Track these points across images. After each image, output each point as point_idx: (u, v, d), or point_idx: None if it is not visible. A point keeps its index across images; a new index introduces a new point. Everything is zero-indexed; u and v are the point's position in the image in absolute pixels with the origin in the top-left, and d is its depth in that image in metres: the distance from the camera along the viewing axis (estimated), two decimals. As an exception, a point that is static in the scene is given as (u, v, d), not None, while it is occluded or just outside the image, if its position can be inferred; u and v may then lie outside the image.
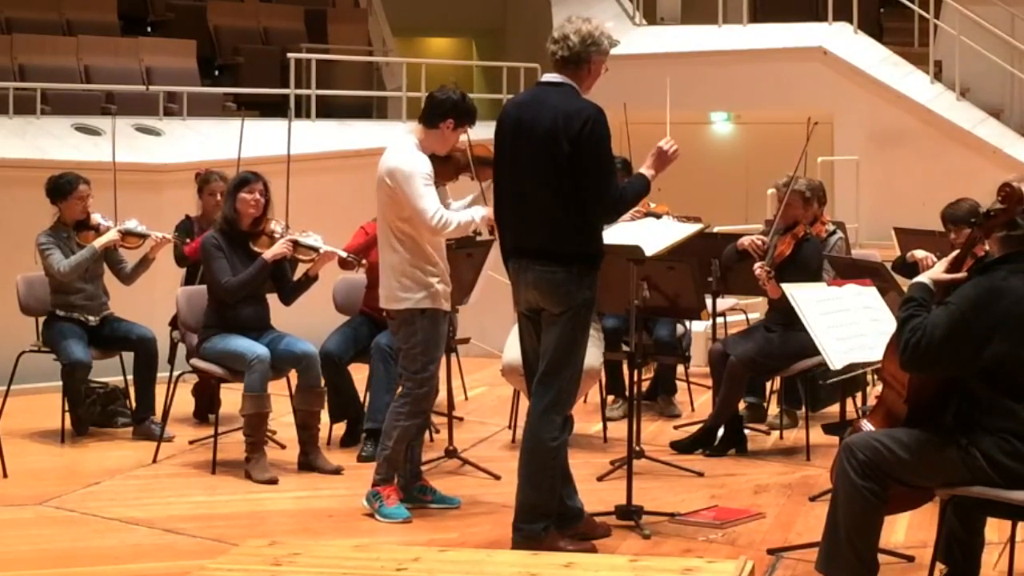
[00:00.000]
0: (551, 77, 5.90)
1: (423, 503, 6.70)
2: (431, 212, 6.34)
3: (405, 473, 6.72)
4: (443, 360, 7.49)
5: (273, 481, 7.19)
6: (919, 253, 7.65)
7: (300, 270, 7.71)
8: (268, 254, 7.41)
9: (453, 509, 6.70)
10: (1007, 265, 4.78)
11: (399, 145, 6.54)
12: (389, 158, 6.49)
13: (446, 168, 6.67)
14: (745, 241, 8.08)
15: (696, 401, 9.20)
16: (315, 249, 7.51)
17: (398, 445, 6.55)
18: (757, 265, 7.81)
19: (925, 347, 4.69)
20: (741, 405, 8.10)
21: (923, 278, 4.95)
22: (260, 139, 10.41)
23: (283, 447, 7.83)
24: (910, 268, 7.54)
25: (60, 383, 8.22)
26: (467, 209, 6.57)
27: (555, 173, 5.70)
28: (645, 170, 5.95)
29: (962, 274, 4.89)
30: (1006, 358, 4.69)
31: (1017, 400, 4.71)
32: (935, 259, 6.98)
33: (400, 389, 6.67)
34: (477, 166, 6.71)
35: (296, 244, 7.48)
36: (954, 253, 5.00)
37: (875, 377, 8.28)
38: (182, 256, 8.55)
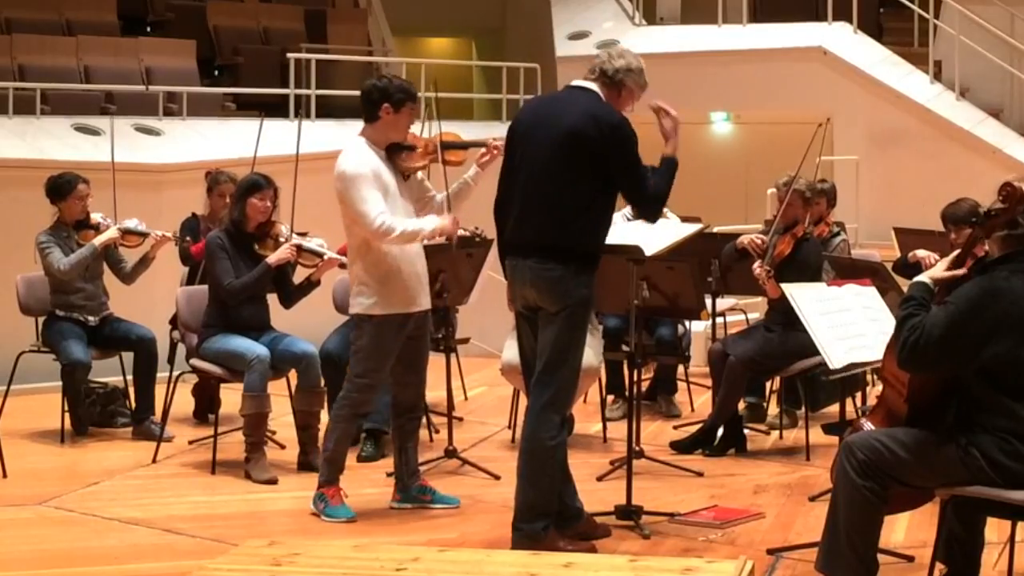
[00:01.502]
0: (580, 82, 5.93)
1: (423, 503, 6.70)
2: (372, 216, 6.27)
3: (403, 474, 6.71)
4: (444, 360, 7.52)
5: (273, 481, 7.19)
6: (921, 252, 7.65)
7: (302, 273, 7.70)
8: (272, 259, 7.39)
9: (453, 509, 6.70)
10: (1008, 265, 4.78)
11: (348, 146, 6.50)
12: (338, 161, 6.46)
13: (412, 156, 6.52)
14: (744, 240, 8.08)
15: (696, 401, 9.20)
16: (319, 255, 7.50)
17: (339, 447, 6.56)
18: (756, 264, 7.80)
19: (924, 346, 4.69)
20: (741, 405, 8.10)
21: (923, 277, 4.95)
22: (260, 139, 10.39)
23: (283, 447, 7.84)
24: (911, 268, 7.53)
25: (60, 383, 8.22)
26: (417, 219, 6.43)
27: (571, 170, 5.72)
28: (666, 152, 5.96)
29: (962, 271, 4.90)
30: (1006, 358, 4.69)
31: (1016, 399, 4.71)
32: (937, 258, 6.98)
33: (342, 391, 6.63)
34: (445, 150, 6.54)
35: (300, 249, 7.47)
36: (955, 252, 5.00)
37: (875, 377, 8.31)
38: (188, 255, 8.55)
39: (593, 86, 5.89)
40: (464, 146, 6.65)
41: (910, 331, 4.73)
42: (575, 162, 5.72)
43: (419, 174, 6.60)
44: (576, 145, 5.71)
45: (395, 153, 6.48)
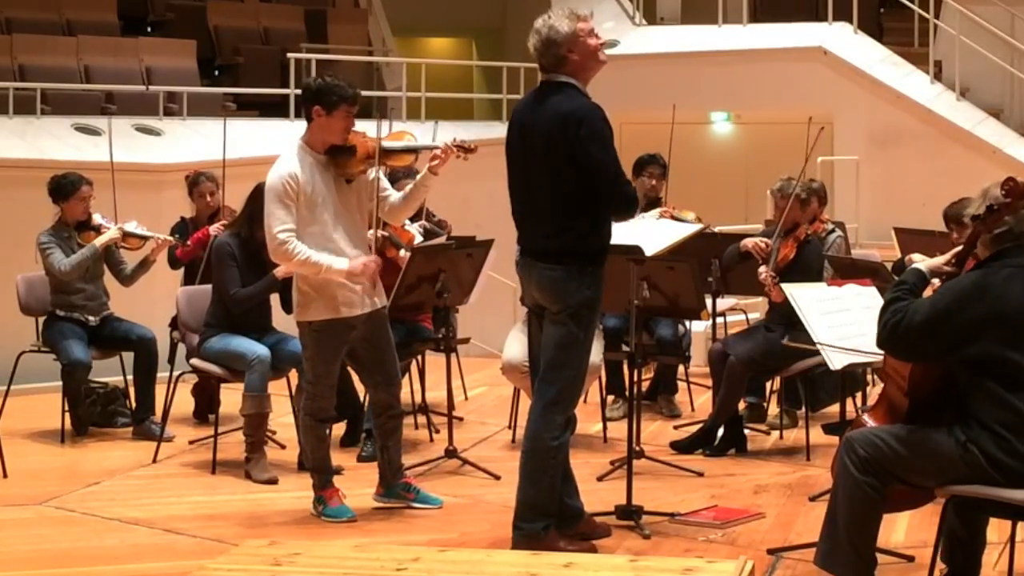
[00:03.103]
0: (550, 76, 5.89)
1: (406, 500, 6.69)
2: (273, 231, 6.22)
3: (386, 472, 6.70)
4: (444, 360, 7.50)
5: (273, 481, 7.19)
6: (916, 257, 7.65)
7: None
8: (280, 271, 7.27)
9: (436, 509, 6.66)
10: (1002, 261, 4.78)
11: (283, 153, 6.43)
12: None
13: (350, 161, 6.39)
14: (748, 243, 8.06)
15: (696, 401, 9.20)
16: None
17: (316, 455, 6.57)
18: (762, 270, 7.79)
19: (904, 329, 4.71)
20: (741, 405, 8.10)
21: (921, 266, 4.98)
22: (260, 139, 10.42)
23: (283, 447, 7.83)
24: (908, 272, 7.54)
25: (60, 383, 8.22)
26: (330, 255, 6.27)
27: (553, 174, 5.69)
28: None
29: (956, 269, 4.91)
30: (996, 355, 4.68)
31: (1010, 391, 4.70)
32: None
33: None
34: (385, 156, 6.45)
35: None
36: (957, 248, 5.01)
37: (875, 377, 8.31)
38: (175, 259, 8.56)
39: (561, 77, 5.80)
40: (409, 150, 6.57)
41: (892, 313, 4.75)
42: (557, 168, 5.67)
43: (372, 172, 6.45)
44: (553, 150, 5.67)
45: (333, 157, 6.37)
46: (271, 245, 6.30)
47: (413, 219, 8.10)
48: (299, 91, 12.28)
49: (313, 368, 6.47)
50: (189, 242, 8.49)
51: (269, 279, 7.37)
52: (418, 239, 7.96)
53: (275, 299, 7.67)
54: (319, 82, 6.44)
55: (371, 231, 6.58)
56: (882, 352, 5.00)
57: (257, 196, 7.38)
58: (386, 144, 6.47)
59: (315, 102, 6.34)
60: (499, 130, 11.23)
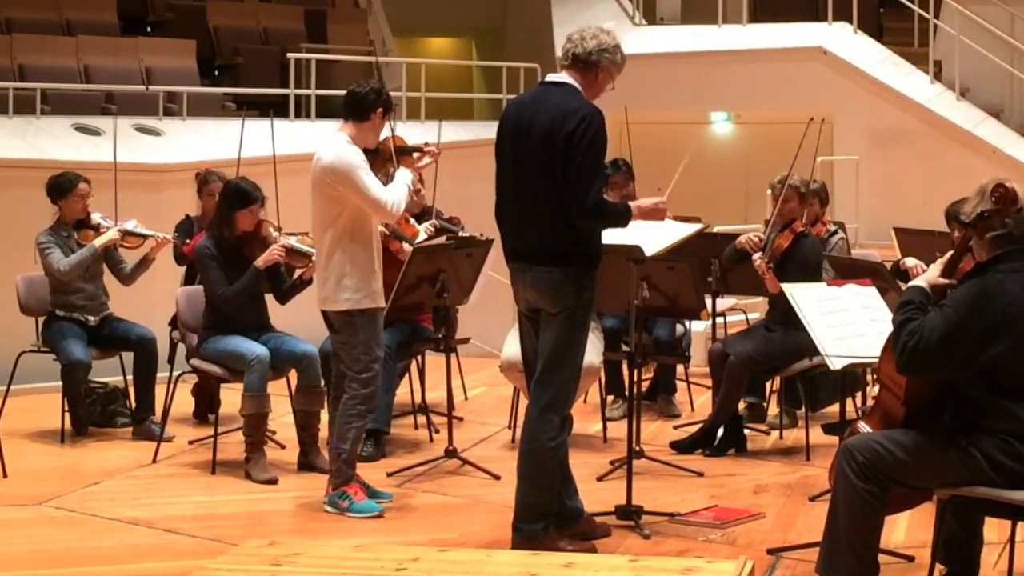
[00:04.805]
0: (555, 77, 5.89)
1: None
2: (383, 200, 6.42)
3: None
4: (444, 360, 7.52)
5: (273, 481, 7.19)
6: (909, 261, 7.65)
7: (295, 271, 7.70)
8: (260, 261, 7.36)
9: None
10: (1000, 266, 4.77)
11: (330, 143, 6.55)
12: (324, 156, 6.49)
13: (376, 160, 6.70)
14: (742, 239, 8.09)
15: (696, 401, 9.20)
16: (308, 256, 7.47)
17: (354, 447, 6.62)
18: (756, 256, 7.82)
19: (923, 350, 4.69)
20: (741, 405, 8.10)
21: (919, 282, 4.96)
22: (260, 139, 10.39)
23: (283, 447, 7.84)
24: (904, 275, 7.55)
25: (60, 383, 8.22)
26: (398, 183, 6.59)
27: (552, 173, 5.67)
28: (633, 205, 5.93)
29: (953, 281, 4.90)
30: (1004, 361, 4.69)
31: (1015, 401, 4.71)
32: (924, 267, 7.00)
33: (347, 391, 6.62)
34: (399, 155, 6.82)
35: (289, 250, 7.45)
36: (947, 255, 5.00)
37: (874, 378, 8.30)
38: (181, 255, 8.57)
39: (567, 78, 5.82)
40: (416, 151, 6.89)
41: (908, 335, 4.72)
42: (555, 165, 5.66)
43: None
44: (552, 147, 5.65)
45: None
46: (391, 212, 6.49)
47: (423, 218, 8.13)
48: (301, 91, 12.34)
49: (367, 355, 6.56)
50: (188, 242, 8.49)
51: (252, 272, 7.39)
52: (421, 237, 7.97)
53: (272, 300, 7.69)
54: (380, 86, 6.69)
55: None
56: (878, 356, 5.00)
57: (224, 196, 7.52)
58: (399, 144, 6.78)
59: (379, 104, 6.56)
60: (499, 130, 11.25)
